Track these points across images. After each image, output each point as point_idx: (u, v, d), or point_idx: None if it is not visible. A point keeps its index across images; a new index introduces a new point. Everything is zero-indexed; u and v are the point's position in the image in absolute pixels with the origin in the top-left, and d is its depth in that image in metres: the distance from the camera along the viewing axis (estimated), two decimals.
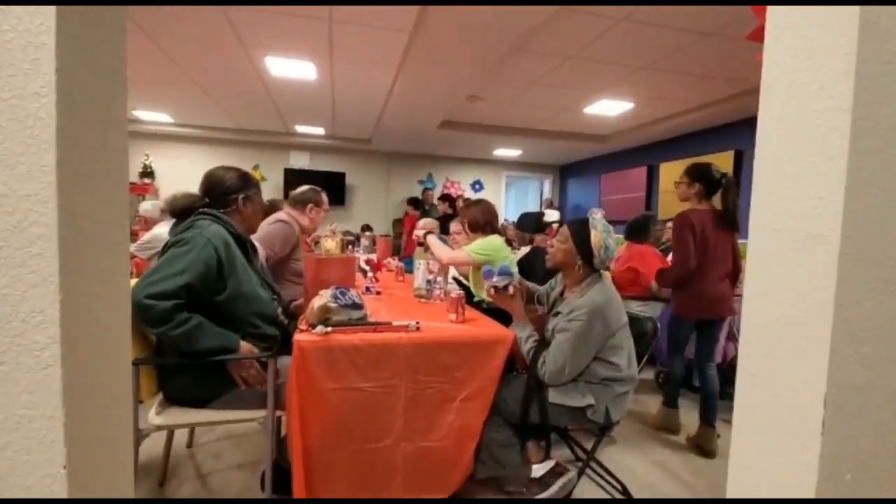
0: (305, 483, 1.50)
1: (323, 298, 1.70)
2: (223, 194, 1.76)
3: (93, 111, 0.46)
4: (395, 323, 1.71)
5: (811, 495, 0.67)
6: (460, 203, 6.69)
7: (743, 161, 5.01)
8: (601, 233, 1.65)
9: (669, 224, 4.63)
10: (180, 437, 2.14)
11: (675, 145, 5.89)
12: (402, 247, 5.69)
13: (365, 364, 1.59)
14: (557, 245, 1.76)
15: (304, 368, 1.52)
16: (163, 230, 2.01)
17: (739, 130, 5.00)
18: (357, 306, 1.76)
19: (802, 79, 0.70)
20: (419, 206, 6.62)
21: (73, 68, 0.43)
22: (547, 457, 1.87)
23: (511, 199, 9.54)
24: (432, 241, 2.59)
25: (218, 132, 6.77)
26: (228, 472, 2.00)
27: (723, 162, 5.14)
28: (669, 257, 4.03)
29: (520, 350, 1.75)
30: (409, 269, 3.24)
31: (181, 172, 6.62)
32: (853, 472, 0.68)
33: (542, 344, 1.69)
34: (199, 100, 5.10)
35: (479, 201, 2.60)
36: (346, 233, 5.53)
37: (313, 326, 1.64)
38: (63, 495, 0.43)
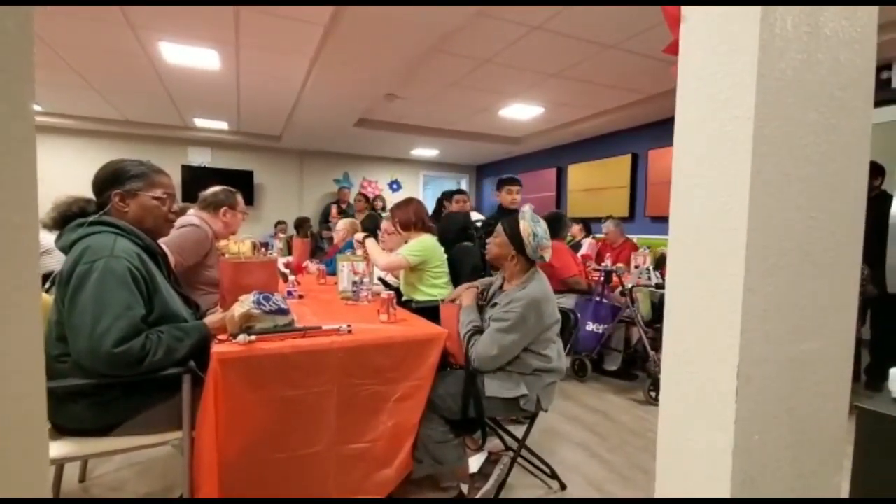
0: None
1: (244, 305, 1.58)
2: (96, 194, 1.50)
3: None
4: (325, 327, 1.64)
5: (728, 455, 0.76)
6: (378, 203, 6.60)
7: (638, 163, 5.55)
8: (528, 222, 1.75)
9: (580, 225, 4.99)
10: (70, 471, 1.86)
11: (582, 148, 6.35)
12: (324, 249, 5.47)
13: (295, 371, 1.51)
14: (493, 241, 1.85)
15: (223, 382, 1.40)
16: (49, 242, 1.67)
17: (636, 136, 5.53)
18: (283, 311, 1.66)
19: (712, 90, 0.79)
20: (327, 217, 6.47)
21: None
22: (482, 448, 1.93)
23: (429, 198, 9.61)
24: (370, 245, 2.55)
25: (99, 123, 5.97)
26: None
27: (621, 164, 5.65)
28: (580, 253, 4.34)
29: (452, 346, 1.78)
30: (331, 271, 3.14)
31: (58, 171, 5.49)
32: (761, 434, 0.78)
33: (480, 331, 1.74)
34: (73, 85, 4.45)
35: (410, 200, 2.60)
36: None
37: (234, 336, 1.52)
38: None
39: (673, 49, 0.89)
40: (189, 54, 3.57)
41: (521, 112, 5.18)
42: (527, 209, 1.81)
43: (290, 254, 4.30)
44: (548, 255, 1.76)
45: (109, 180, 1.50)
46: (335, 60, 3.48)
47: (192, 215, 2.26)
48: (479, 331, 1.73)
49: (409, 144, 7.06)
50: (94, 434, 1.40)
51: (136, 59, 3.70)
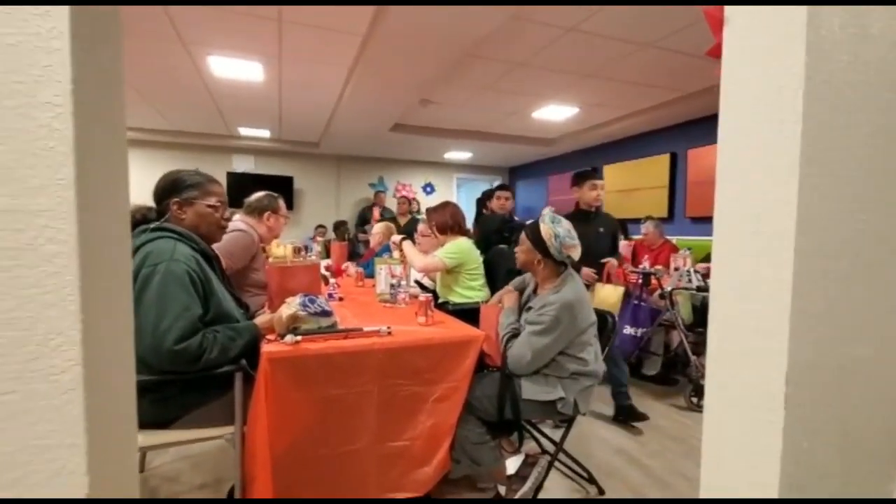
0: (274, 494, 1.46)
1: (291, 307, 1.65)
2: (156, 202, 1.62)
3: (101, 120, 0.44)
4: (365, 329, 1.70)
5: (777, 461, 0.75)
6: (414, 206, 6.70)
7: (677, 163, 5.39)
8: (549, 224, 1.75)
9: None
10: None
11: (617, 148, 6.23)
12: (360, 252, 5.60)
13: (337, 371, 1.57)
14: (519, 248, 1.86)
15: (272, 380, 1.48)
16: None
17: (674, 134, 5.38)
18: (326, 313, 1.73)
19: (758, 93, 0.78)
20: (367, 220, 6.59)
21: (84, 75, 0.40)
22: (518, 451, 1.93)
23: (462, 200, 9.66)
24: (408, 248, 2.61)
25: (152, 134, 6.34)
26: (190, 494, 1.90)
27: (659, 164, 5.51)
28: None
29: (489, 348, 1.80)
30: (369, 274, 3.22)
31: None
32: (809, 441, 0.77)
33: (518, 334, 1.75)
34: (130, 101, 4.75)
35: (446, 204, 2.64)
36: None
37: (282, 336, 1.59)
38: None
39: (716, 51, 0.89)
40: (235, 67, 3.75)
41: (555, 113, 5.14)
42: (546, 211, 1.82)
43: (327, 257, 4.43)
44: (575, 254, 1.75)
45: (168, 189, 1.61)
46: (372, 69, 3.57)
47: (239, 220, 2.38)
48: (516, 334, 1.75)
49: (442, 148, 7.12)
50: (153, 428, 1.50)
51: (186, 73, 3.92)
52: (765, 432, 0.77)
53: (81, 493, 0.41)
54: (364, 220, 6.75)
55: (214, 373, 1.45)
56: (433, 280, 2.81)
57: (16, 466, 0.41)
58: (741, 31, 0.82)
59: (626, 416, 2.58)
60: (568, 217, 2.61)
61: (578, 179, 2.78)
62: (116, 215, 0.47)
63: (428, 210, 2.75)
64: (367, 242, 5.91)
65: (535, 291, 1.89)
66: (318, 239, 6.52)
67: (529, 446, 2.13)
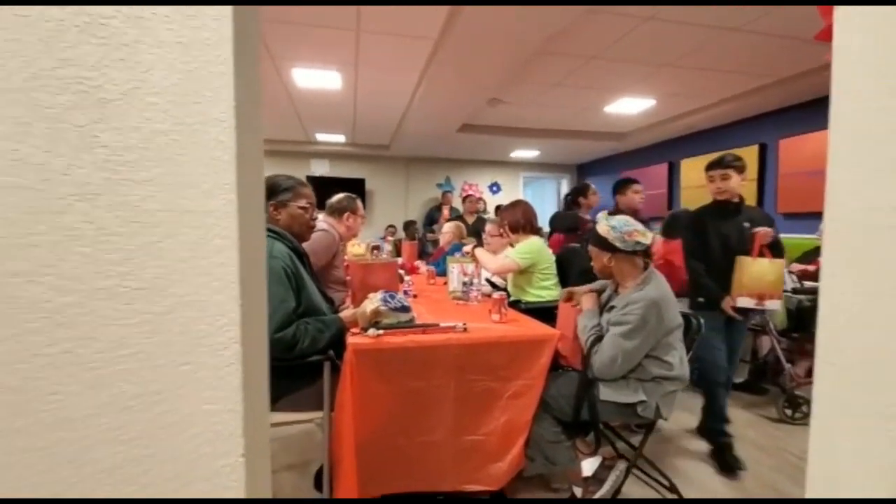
0: (357, 479, 1.55)
1: (374, 302, 1.75)
2: None
3: (251, 132, 0.51)
4: (442, 324, 1.75)
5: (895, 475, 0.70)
6: (481, 206, 6.73)
7: (767, 154, 4.97)
8: (602, 222, 1.77)
9: None
10: None
11: (696, 141, 5.86)
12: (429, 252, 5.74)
13: (416, 364, 1.64)
14: (593, 262, 1.86)
15: (357, 370, 1.57)
16: None
17: (762, 124, 4.96)
18: (405, 309, 1.82)
19: (875, 78, 0.72)
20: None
21: (242, 94, 0.48)
22: (595, 453, 1.90)
23: (529, 199, 9.55)
24: (480, 254, 2.65)
25: None
26: (280, 473, 2.06)
27: (747, 156, 5.11)
28: None
29: (564, 348, 1.78)
30: (440, 272, 3.29)
31: None
32: None
33: (601, 337, 1.73)
34: None
35: (518, 202, 2.65)
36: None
37: (364, 329, 1.69)
38: (241, 483, 0.48)
39: (825, 35, 0.83)
40: (316, 77, 4.00)
41: (629, 106, 4.93)
42: (599, 216, 1.84)
43: (397, 255, 4.59)
44: (644, 239, 1.69)
45: (266, 193, 1.77)
46: (443, 72, 3.64)
47: (321, 220, 2.54)
48: (600, 336, 1.71)
49: (509, 147, 7.09)
50: None
51: (273, 85, 4.23)
52: (882, 442, 0.72)
53: (239, 452, 0.48)
54: (431, 219, 6.89)
55: (306, 361, 1.57)
56: (504, 279, 2.82)
57: (193, 425, 0.49)
58: (854, 13, 0.76)
59: (720, 459, 2.17)
60: (702, 212, 2.36)
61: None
62: (259, 215, 0.54)
63: (499, 209, 2.77)
64: (434, 242, 6.03)
65: (616, 291, 1.85)
66: (389, 238, 6.75)
67: (604, 450, 2.08)
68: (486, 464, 1.72)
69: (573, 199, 3.87)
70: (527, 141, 6.58)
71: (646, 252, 1.74)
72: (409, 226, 6.84)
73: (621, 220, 1.73)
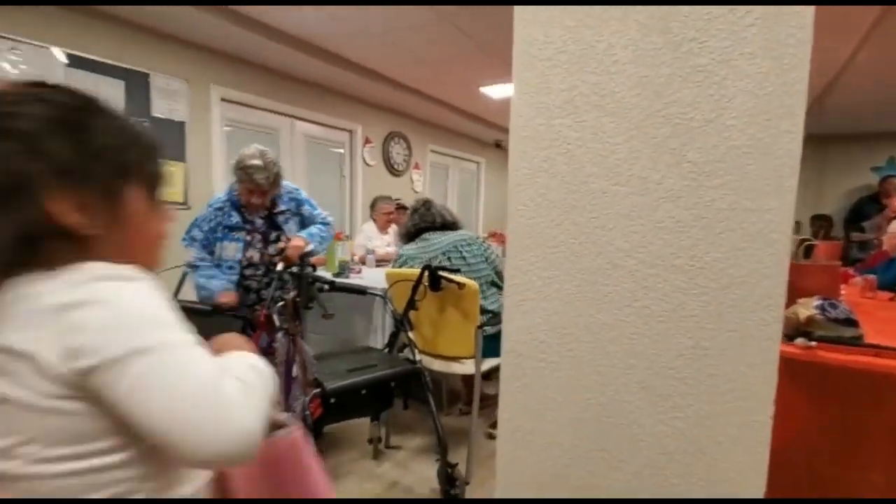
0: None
1: (808, 309, 1.54)
2: None
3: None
4: None
5: None
6: None
7: None
8: None
9: None
10: None
11: None
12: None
13: (857, 394, 1.35)
14: None
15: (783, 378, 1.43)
16: None
17: None
18: (851, 322, 1.51)
19: None
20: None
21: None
22: None
23: None
24: None
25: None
26: None
27: None
28: None
29: None
30: (885, 283, 2.52)
31: None
32: None
33: None
34: None
35: None
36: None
37: (789, 338, 1.51)
38: (766, 439, 0.58)
39: None
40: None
41: None
42: None
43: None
44: None
45: None
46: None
47: None
48: None
49: None
50: None
51: None
52: None
53: (767, 412, 0.58)
54: (859, 214, 5.23)
55: None
56: None
57: (729, 381, 0.62)
58: None
59: None
60: None
61: None
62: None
63: None
64: (862, 244, 4.63)
65: None
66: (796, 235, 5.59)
67: None
68: None
69: None
70: None
71: None
72: (819, 221, 5.43)
73: None
